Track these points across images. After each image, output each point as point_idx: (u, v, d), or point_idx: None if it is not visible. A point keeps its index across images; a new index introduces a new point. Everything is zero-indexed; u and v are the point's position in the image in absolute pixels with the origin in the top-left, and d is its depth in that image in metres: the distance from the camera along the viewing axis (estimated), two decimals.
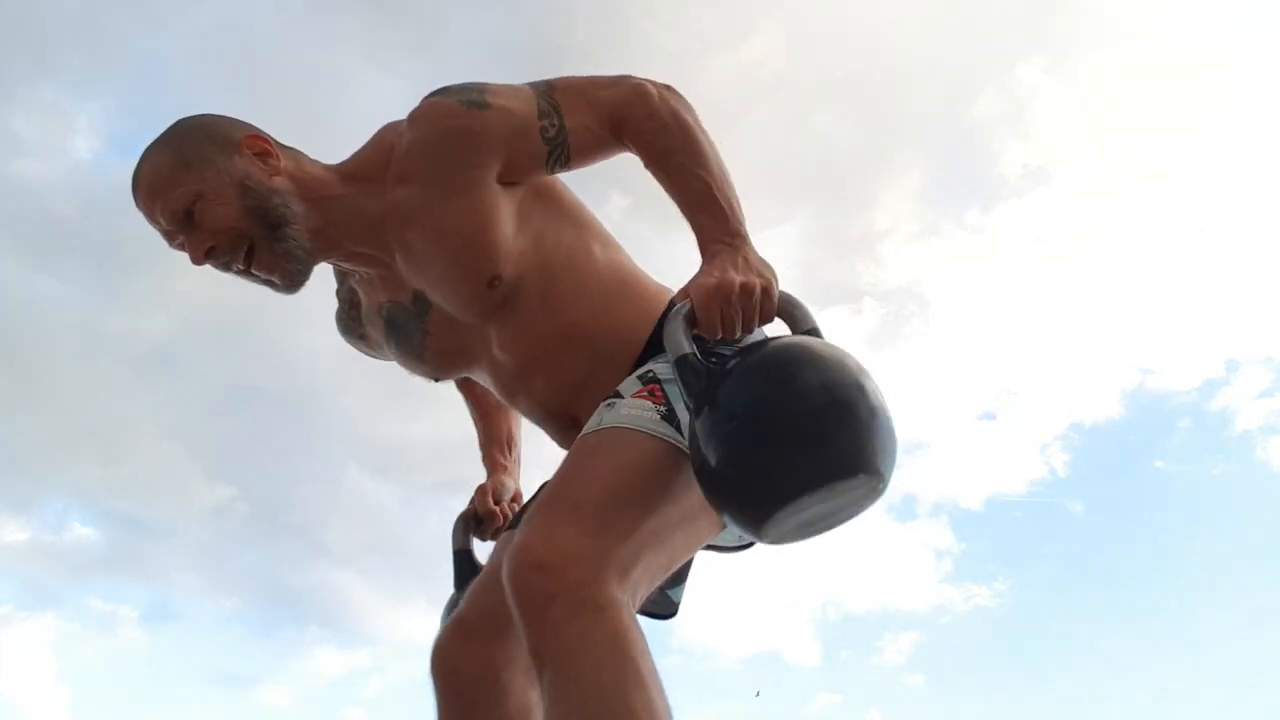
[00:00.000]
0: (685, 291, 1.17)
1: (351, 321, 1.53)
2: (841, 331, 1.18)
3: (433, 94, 1.31)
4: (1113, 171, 7.99)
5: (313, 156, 1.39)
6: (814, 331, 1.18)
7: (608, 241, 1.44)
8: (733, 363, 1.12)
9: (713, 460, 1.06)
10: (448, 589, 1.57)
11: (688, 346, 1.13)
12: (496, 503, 1.61)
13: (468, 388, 1.71)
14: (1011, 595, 7.44)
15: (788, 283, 1.21)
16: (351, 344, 1.59)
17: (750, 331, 1.17)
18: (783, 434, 1.05)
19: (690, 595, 1.45)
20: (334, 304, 1.58)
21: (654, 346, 1.33)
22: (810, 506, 1.06)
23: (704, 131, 1.30)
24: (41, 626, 7.01)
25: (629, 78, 1.33)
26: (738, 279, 1.14)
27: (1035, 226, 7.92)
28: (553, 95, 1.31)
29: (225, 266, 1.31)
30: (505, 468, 1.68)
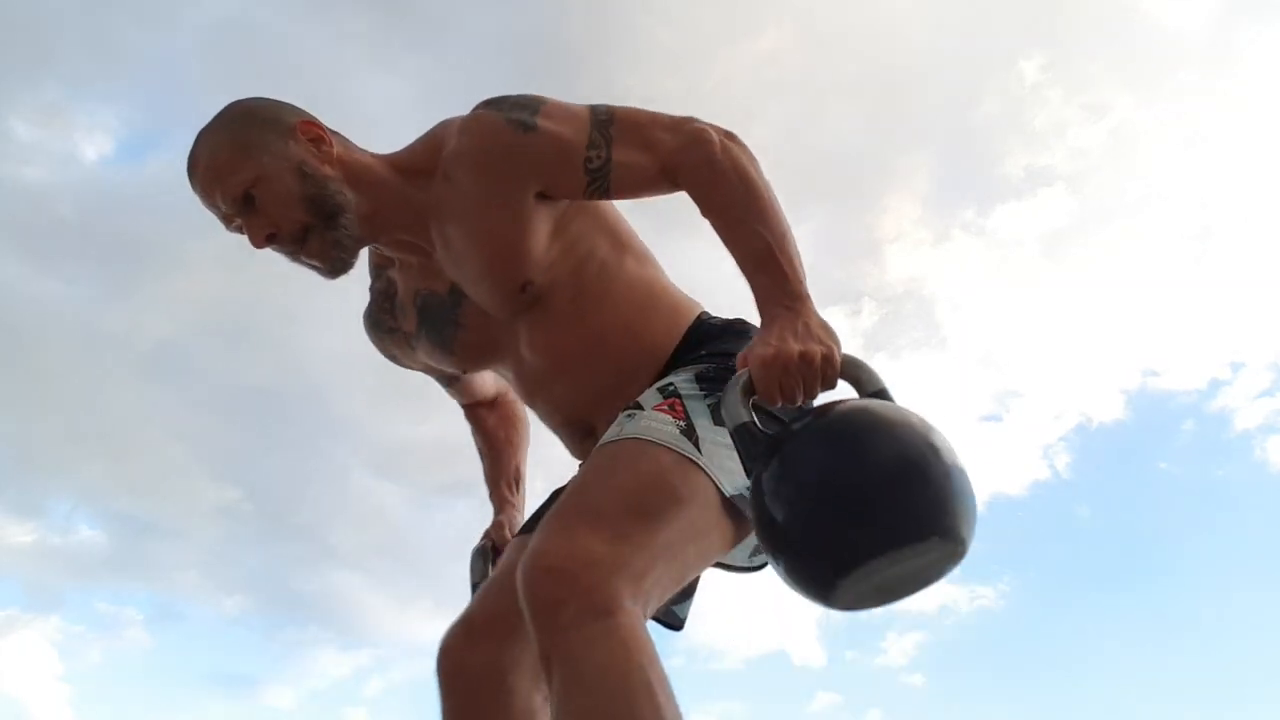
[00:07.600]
0: (743, 359, 1.13)
1: (383, 315, 1.54)
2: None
3: (485, 103, 1.32)
4: (1115, 172, 7.99)
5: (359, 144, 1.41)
6: (882, 394, 1.13)
7: (643, 256, 1.45)
8: (797, 428, 1.08)
9: (776, 531, 1.04)
10: (450, 590, 1.58)
11: (745, 415, 1.10)
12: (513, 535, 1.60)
13: (479, 420, 1.74)
14: (1015, 596, 7.44)
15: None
16: (376, 341, 1.59)
17: (811, 400, 1.13)
18: (845, 502, 1.01)
19: (697, 596, 1.46)
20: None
21: (678, 360, 1.35)
22: (881, 571, 1.01)
23: (767, 185, 1.26)
24: (46, 629, 7.03)
25: (692, 121, 1.30)
26: (796, 347, 1.09)
27: (1038, 227, 7.92)
28: (609, 127, 1.29)
29: (281, 249, 1.34)
30: (514, 505, 1.69)
